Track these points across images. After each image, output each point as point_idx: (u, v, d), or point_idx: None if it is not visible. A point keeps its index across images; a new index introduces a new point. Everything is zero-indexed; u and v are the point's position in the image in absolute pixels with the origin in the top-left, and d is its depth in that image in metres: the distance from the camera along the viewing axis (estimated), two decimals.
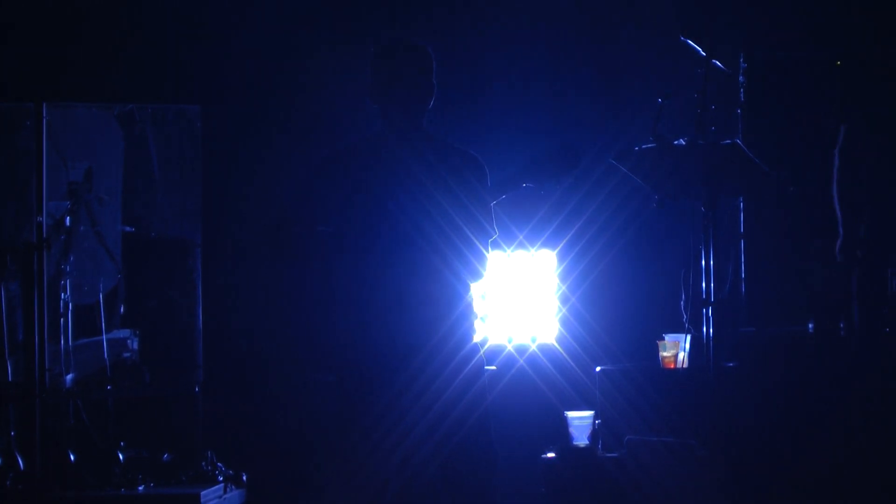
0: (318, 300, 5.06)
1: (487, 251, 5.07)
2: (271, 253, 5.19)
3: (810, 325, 6.94)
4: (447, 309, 5.04)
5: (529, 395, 7.38)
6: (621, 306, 7.67)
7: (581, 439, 6.77)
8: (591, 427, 6.78)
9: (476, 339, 5.11)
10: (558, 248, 7.53)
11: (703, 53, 6.90)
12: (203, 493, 6.68)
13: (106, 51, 7.99)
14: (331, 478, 5.09)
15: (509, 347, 7.46)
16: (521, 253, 7.52)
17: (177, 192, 7.52)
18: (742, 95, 7.24)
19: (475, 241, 5.04)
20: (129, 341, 7.38)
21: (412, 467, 5.00)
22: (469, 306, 5.10)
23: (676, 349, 6.95)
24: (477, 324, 5.18)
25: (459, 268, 5.03)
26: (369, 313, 5.01)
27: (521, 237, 7.47)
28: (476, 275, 5.08)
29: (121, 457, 6.89)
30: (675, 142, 6.75)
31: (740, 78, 7.24)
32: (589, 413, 6.83)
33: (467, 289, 5.08)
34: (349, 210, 5.05)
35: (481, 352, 5.13)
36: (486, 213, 5.08)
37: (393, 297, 5.00)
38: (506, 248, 7.47)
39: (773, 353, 6.90)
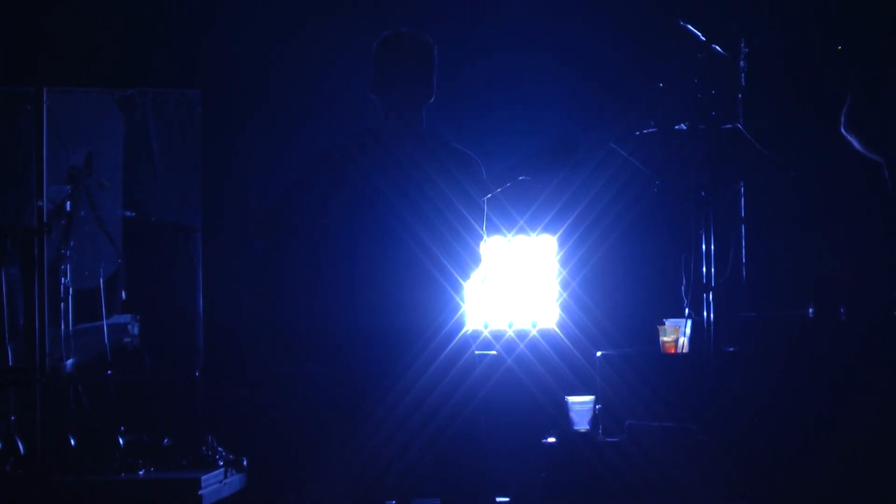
0: (308, 292, 5.06)
1: (477, 248, 5.08)
2: (262, 242, 5.20)
3: (811, 310, 6.94)
4: (435, 304, 5.05)
5: (530, 379, 7.38)
6: (622, 291, 7.67)
7: (581, 424, 6.77)
8: (591, 412, 6.79)
9: (469, 329, 5.13)
10: (559, 232, 7.52)
11: (704, 38, 6.90)
12: (203, 477, 6.68)
13: (106, 35, 7.99)
14: (327, 468, 5.10)
15: (510, 332, 7.46)
16: (521, 238, 7.51)
17: (177, 177, 7.51)
18: (743, 80, 7.23)
19: (465, 237, 5.05)
20: (129, 326, 7.37)
21: (407, 461, 5.02)
22: (458, 301, 5.11)
23: (677, 334, 6.95)
24: (468, 316, 5.20)
25: (447, 263, 5.04)
26: (358, 306, 5.02)
27: (521, 222, 7.47)
28: (465, 270, 5.09)
29: (121, 441, 6.89)
30: (676, 126, 6.76)
31: (741, 63, 7.23)
32: (589, 398, 6.84)
33: (457, 284, 5.08)
34: (340, 203, 5.06)
35: (473, 346, 5.15)
36: (476, 211, 5.09)
37: (380, 291, 5.02)
38: (506, 232, 7.47)
39: (773, 337, 6.90)
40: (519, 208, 7.44)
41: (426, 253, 5.02)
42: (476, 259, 5.11)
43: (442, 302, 5.07)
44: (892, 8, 6.50)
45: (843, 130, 6.42)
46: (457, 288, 5.10)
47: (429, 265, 5.03)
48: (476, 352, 5.19)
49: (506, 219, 7.39)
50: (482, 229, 5.12)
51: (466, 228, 5.06)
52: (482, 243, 5.14)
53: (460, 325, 5.12)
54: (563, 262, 7.56)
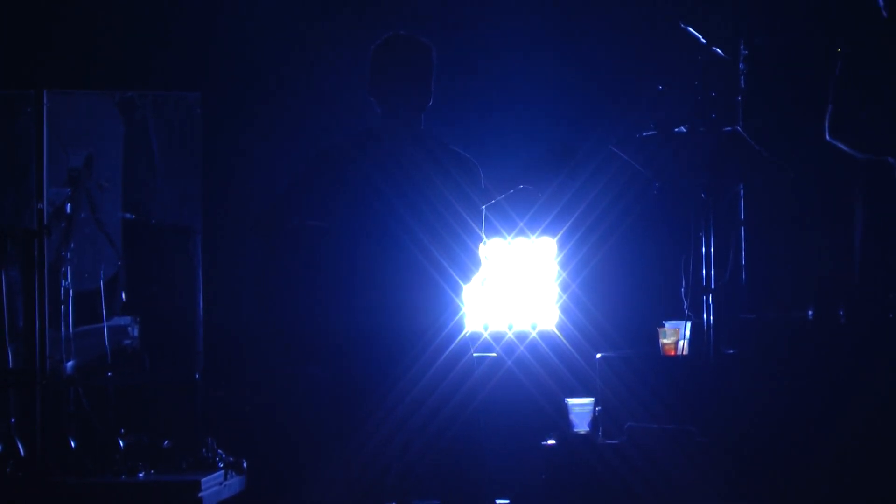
0: (307, 293, 5.07)
1: (476, 250, 5.09)
2: (261, 243, 5.20)
3: (811, 312, 6.94)
4: (435, 305, 5.06)
5: (530, 381, 7.37)
6: (621, 293, 7.66)
7: (581, 426, 6.77)
8: (591, 414, 6.79)
9: (467, 332, 5.14)
10: (559, 235, 7.52)
11: (704, 41, 6.90)
12: (203, 479, 6.67)
13: (107, 38, 7.99)
14: (327, 469, 5.11)
15: (510, 334, 7.45)
16: (521, 240, 7.51)
17: (177, 179, 7.51)
18: (742, 82, 7.23)
19: (465, 238, 5.06)
20: (129, 328, 7.37)
21: (407, 463, 5.03)
22: (458, 303, 5.11)
23: (677, 336, 6.95)
24: (468, 318, 5.20)
25: (447, 265, 5.05)
26: (357, 307, 5.02)
27: (521, 224, 7.46)
28: (465, 272, 5.10)
29: (121, 443, 6.89)
30: (676, 129, 6.76)
31: (741, 65, 7.23)
32: (589, 400, 6.83)
33: (456, 286, 5.09)
34: (338, 204, 5.07)
35: (472, 349, 5.15)
36: (475, 214, 5.10)
37: (380, 292, 5.02)
38: (506, 235, 7.46)
39: (773, 339, 6.89)
40: (519, 211, 7.44)
41: (426, 254, 5.03)
42: (475, 261, 5.11)
43: (442, 303, 5.07)
44: (892, 8, 6.50)
45: (828, 138, 6.43)
46: (456, 290, 5.10)
47: (428, 267, 5.03)
48: (475, 354, 5.19)
49: (506, 221, 7.39)
50: (481, 231, 5.13)
51: (466, 230, 5.07)
52: (481, 245, 5.15)
53: (460, 326, 5.13)
54: (563, 264, 7.56)
